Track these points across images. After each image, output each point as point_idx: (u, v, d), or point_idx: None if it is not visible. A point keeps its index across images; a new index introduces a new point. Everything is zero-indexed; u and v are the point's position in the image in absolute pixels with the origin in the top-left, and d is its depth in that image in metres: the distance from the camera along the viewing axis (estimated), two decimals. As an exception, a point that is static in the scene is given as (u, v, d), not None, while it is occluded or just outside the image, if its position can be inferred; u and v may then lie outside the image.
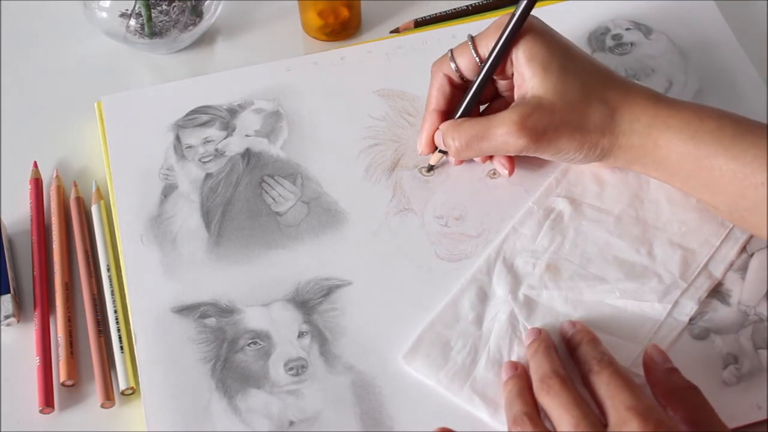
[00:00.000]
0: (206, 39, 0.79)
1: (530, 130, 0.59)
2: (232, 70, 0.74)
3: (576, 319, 0.60)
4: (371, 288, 0.63)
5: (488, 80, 0.63)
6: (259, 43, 0.78)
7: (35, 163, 0.71)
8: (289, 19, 0.79)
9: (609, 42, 0.75)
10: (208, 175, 0.68)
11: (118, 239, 0.66)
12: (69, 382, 0.61)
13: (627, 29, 0.75)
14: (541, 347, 0.57)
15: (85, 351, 0.62)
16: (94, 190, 0.69)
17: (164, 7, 0.75)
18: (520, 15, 0.60)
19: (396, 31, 0.78)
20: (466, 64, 0.64)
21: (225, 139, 0.70)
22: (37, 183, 0.69)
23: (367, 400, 0.59)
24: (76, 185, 0.70)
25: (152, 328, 0.61)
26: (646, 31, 0.75)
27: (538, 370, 0.56)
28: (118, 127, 0.70)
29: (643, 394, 0.52)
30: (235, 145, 0.70)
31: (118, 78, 0.77)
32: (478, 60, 0.63)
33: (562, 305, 0.61)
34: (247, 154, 0.69)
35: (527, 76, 0.60)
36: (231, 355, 0.60)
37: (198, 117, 0.71)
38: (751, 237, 0.63)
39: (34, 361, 0.62)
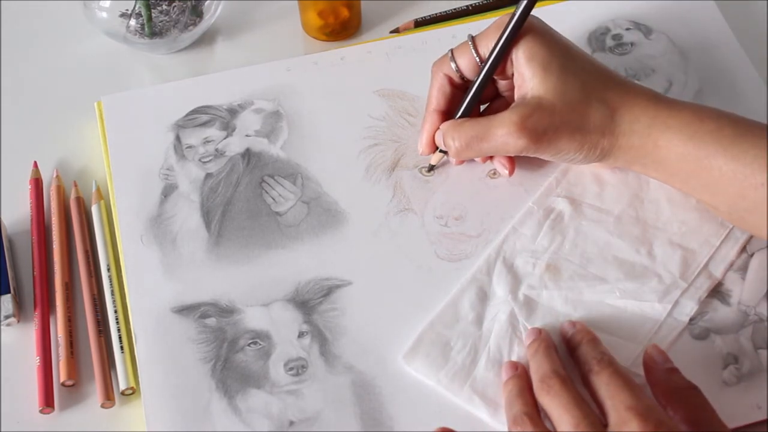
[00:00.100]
0: (206, 39, 0.79)
1: (530, 130, 0.59)
2: (232, 70, 0.74)
3: (576, 319, 0.60)
4: (371, 288, 0.63)
5: (488, 80, 0.63)
6: (259, 43, 0.78)
7: (35, 163, 0.71)
8: (289, 19, 0.79)
9: (609, 42, 0.75)
10: (208, 175, 0.68)
11: (118, 239, 0.66)
12: (69, 382, 0.61)
13: (627, 29, 0.75)
14: (541, 347, 0.57)
15: (85, 351, 0.62)
16: (94, 190, 0.69)
17: (164, 7, 0.75)
18: (520, 15, 0.60)
19: (396, 31, 0.78)
20: (466, 64, 0.64)
21: (225, 139, 0.70)
22: (37, 183, 0.69)
23: (367, 400, 0.59)
24: (76, 185, 0.70)
25: (152, 328, 0.61)
26: (646, 31, 0.75)
27: (538, 370, 0.56)
28: (118, 127, 0.70)
29: (643, 394, 0.52)
30: (235, 145, 0.70)
31: (118, 78, 0.77)
32: (478, 60, 0.63)
33: (562, 305, 0.61)
34: (247, 154, 0.69)
35: (527, 76, 0.60)
36: (231, 355, 0.60)
37: (198, 117, 0.71)
38: (751, 237, 0.63)
39: (34, 361, 0.62)
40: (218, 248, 0.65)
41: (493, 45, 0.61)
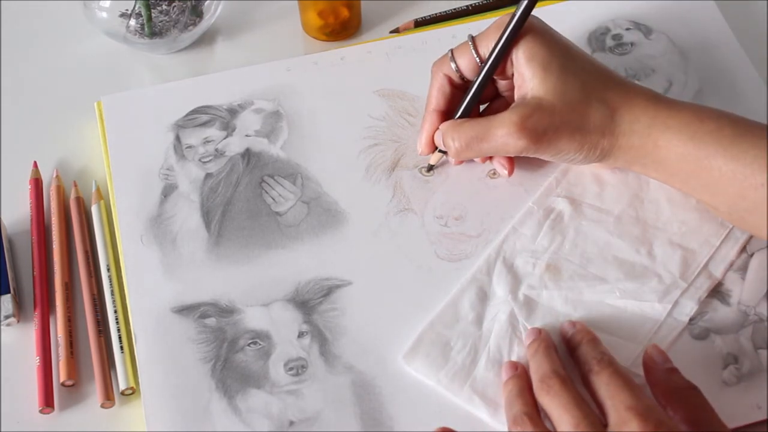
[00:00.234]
0: (206, 39, 0.79)
1: (530, 131, 0.59)
2: (232, 70, 0.74)
3: (576, 319, 0.60)
4: (371, 288, 0.63)
5: (488, 80, 0.63)
6: (259, 43, 0.78)
7: (35, 163, 0.71)
8: (289, 19, 0.79)
9: (609, 42, 0.75)
10: (208, 175, 0.68)
11: (118, 239, 0.66)
12: (69, 382, 0.61)
13: (627, 29, 0.75)
14: (541, 347, 0.57)
15: (85, 351, 0.62)
16: (94, 190, 0.69)
17: (164, 7, 0.75)
18: (520, 15, 0.60)
19: (396, 31, 0.78)
20: (466, 64, 0.64)
21: (225, 139, 0.70)
22: (37, 183, 0.69)
23: (367, 400, 0.59)
24: (76, 185, 0.70)
25: (152, 328, 0.61)
26: (646, 31, 0.75)
27: (538, 370, 0.56)
28: (118, 127, 0.70)
29: (643, 394, 0.52)
30: (235, 145, 0.70)
31: (118, 78, 0.77)
32: (478, 60, 0.63)
33: (562, 305, 0.61)
34: (247, 154, 0.69)
35: (527, 76, 0.60)
36: (231, 355, 0.60)
37: (198, 117, 0.71)
38: (751, 237, 0.63)
39: (34, 361, 0.62)
40: (218, 248, 0.65)
41: (493, 45, 0.61)
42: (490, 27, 0.62)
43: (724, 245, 0.63)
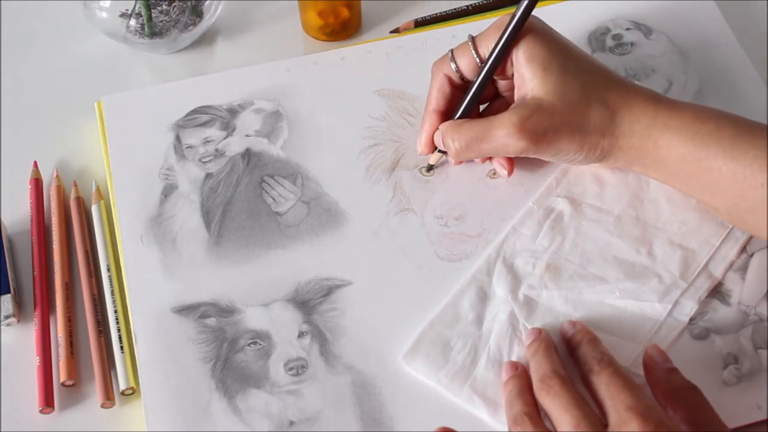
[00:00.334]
0: (206, 39, 0.79)
1: (530, 132, 0.59)
2: (232, 70, 0.74)
3: (576, 319, 0.60)
4: (371, 288, 0.63)
5: (488, 81, 0.63)
6: (259, 43, 0.78)
7: (35, 163, 0.71)
8: (289, 19, 0.79)
9: (609, 42, 0.75)
10: (208, 175, 0.68)
11: (118, 239, 0.66)
12: (69, 382, 0.61)
13: (627, 29, 0.75)
14: (541, 347, 0.57)
15: (85, 351, 0.62)
16: (94, 190, 0.69)
17: (164, 7, 0.75)
18: (520, 16, 0.60)
19: (396, 31, 0.78)
20: (466, 64, 0.64)
21: (225, 139, 0.70)
22: (37, 183, 0.69)
23: (367, 400, 0.59)
24: (76, 185, 0.70)
25: (152, 328, 0.61)
26: (646, 31, 0.75)
27: (538, 370, 0.56)
28: (118, 127, 0.70)
29: (643, 394, 0.52)
30: (235, 145, 0.70)
31: (118, 78, 0.77)
32: (478, 60, 0.63)
33: (562, 305, 0.61)
34: (247, 154, 0.69)
35: (527, 76, 0.60)
36: (231, 355, 0.60)
37: (198, 117, 0.71)
38: (751, 237, 0.63)
39: (34, 361, 0.62)
40: (218, 248, 0.65)
41: (493, 45, 0.61)
42: (490, 27, 0.62)
43: (724, 245, 0.63)
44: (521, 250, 0.64)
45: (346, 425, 0.58)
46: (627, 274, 0.62)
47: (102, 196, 0.69)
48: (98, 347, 0.62)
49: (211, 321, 0.62)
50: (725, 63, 0.73)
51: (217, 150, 0.69)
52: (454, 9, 0.78)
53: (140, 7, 0.74)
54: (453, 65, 0.64)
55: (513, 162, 0.65)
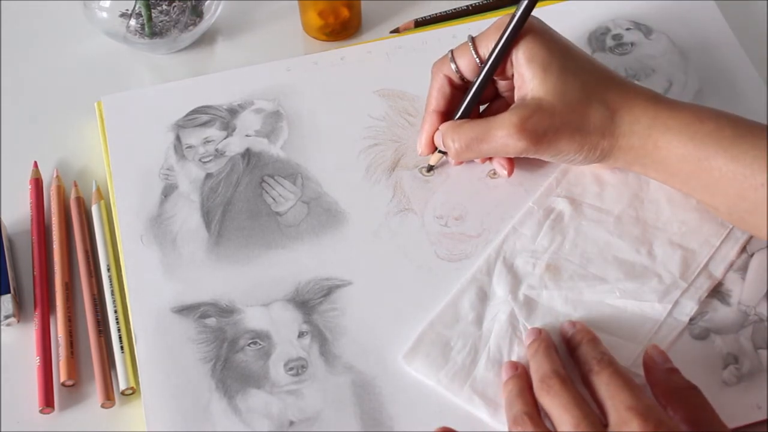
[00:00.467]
0: (206, 39, 0.79)
1: (530, 132, 0.59)
2: (232, 70, 0.74)
3: (576, 319, 0.60)
4: (371, 288, 0.63)
5: (488, 81, 0.63)
6: (259, 43, 0.78)
7: (35, 163, 0.71)
8: (289, 19, 0.79)
9: (609, 42, 0.75)
10: (208, 175, 0.68)
11: (118, 239, 0.66)
12: (69, 382, 0.61)
13: (627, 29, 0.75)
14: (541, 347, 0.57)
15: (85, 351, 0.62)
16: (94, 190, 0.69)
17: (164, 7, 0.75)
18: (520, 16, 0.60)
19: (396, 31, 0.78)
20: (466, 64, 0.64)
21: (225, 139, 0.70)
22: (37, 183, 0.69)
23: (367, 400, 0.59)
24: (76, 185, 0.70)
25: (152, 328, 0.61)
26: (647, 31, 0.75)
27: (538, 370, 0.56)
28: (118, 127, 0.70)
29: (643, 394, 0.52)
30: (235, 145, 0.70)
31: (118, 78, 0.77)
32: (478, 61, 0.63)
33: (562, 305, 0.61)
34: (247, 154, 0.69)
35: (527, 77, 0.60)
36: (231, 355, 0.60)
37: (198, 117, 0.71)
38: (751, 237, 0.63)
39: (34, 361, 0.62)
40: (218, 248, 0.65)
41: (493, 46, 0.61)
42: (489, 27, 0.62)
43: (724, 245, 0.63)
44: (521, 250, 0.64)
45: (346, 425, 0.58)
46: (627, 274, 0.62)
47: (102, 196, 0.69)
48: (98, 347, 0.62)
49: (211, 321, 0.62)
50: (725, 63, 0.73)
51: (217, 150, 0.69)
52: (454, 9, 0.78)
53: (140, 7, 0.74)
54: (453, 66, 0.64)
55: (513, 162, 0.65)
